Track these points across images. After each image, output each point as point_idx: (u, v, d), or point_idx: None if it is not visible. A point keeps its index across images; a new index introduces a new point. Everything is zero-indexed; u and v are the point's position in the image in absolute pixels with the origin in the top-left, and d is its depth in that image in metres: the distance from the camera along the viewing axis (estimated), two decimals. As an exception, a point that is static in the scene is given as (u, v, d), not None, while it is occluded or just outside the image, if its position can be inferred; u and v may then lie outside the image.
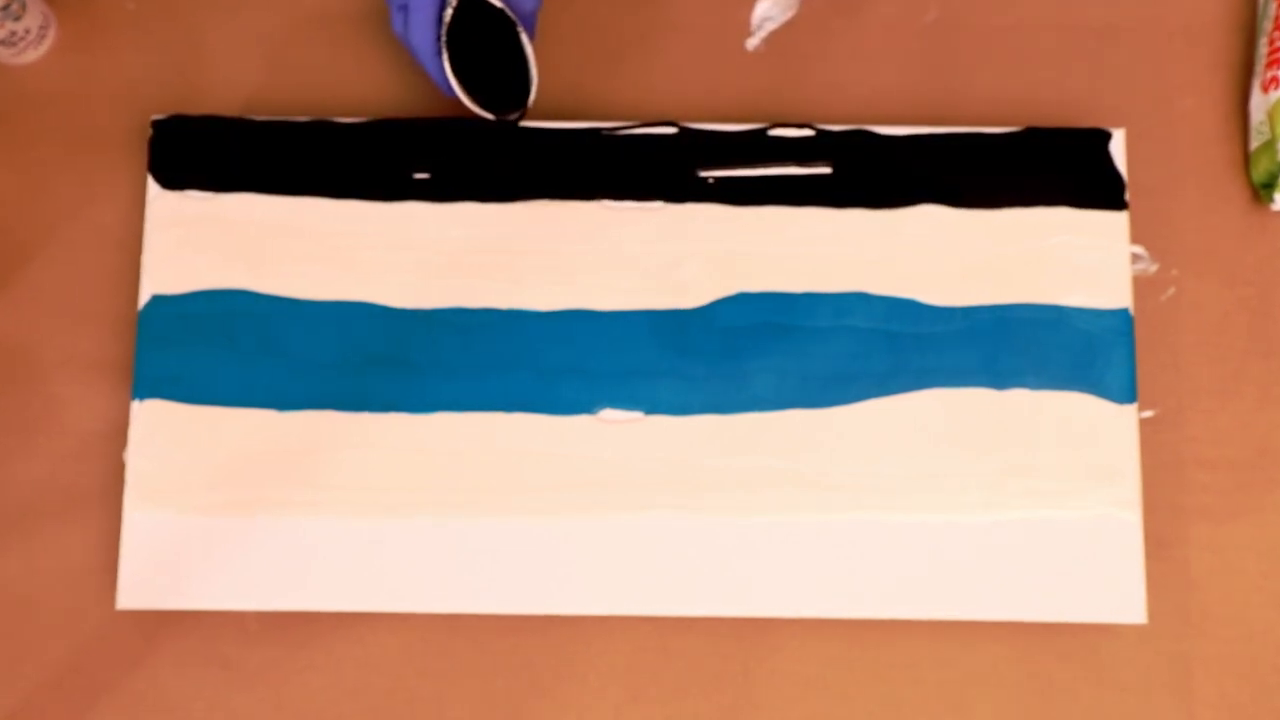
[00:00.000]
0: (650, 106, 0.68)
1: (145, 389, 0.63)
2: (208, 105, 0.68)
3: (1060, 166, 0.65)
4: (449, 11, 0.59)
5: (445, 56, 0.60)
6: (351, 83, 0.68)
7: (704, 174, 0.65)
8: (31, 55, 0.68)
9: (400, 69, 0.68)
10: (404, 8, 0.60)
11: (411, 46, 0.61)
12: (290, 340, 0.64)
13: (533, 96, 0.62)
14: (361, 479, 0.63)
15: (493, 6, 0.60)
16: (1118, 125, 0.67)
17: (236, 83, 0.68)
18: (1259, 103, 0.67)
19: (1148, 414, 0.66)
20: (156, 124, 0.66)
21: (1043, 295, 0.64)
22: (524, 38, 0.61)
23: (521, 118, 0.62)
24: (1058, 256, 0.64)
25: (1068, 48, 0.69)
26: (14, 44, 0.67)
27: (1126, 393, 0.63)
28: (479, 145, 0.65)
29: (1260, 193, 0.67)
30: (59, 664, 0.63)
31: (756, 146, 0.65)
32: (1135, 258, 0.67)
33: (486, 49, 0.60)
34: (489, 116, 0.62)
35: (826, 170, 0.65)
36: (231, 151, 0.65)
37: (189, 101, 0.68)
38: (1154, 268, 0.67)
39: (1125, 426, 0.63)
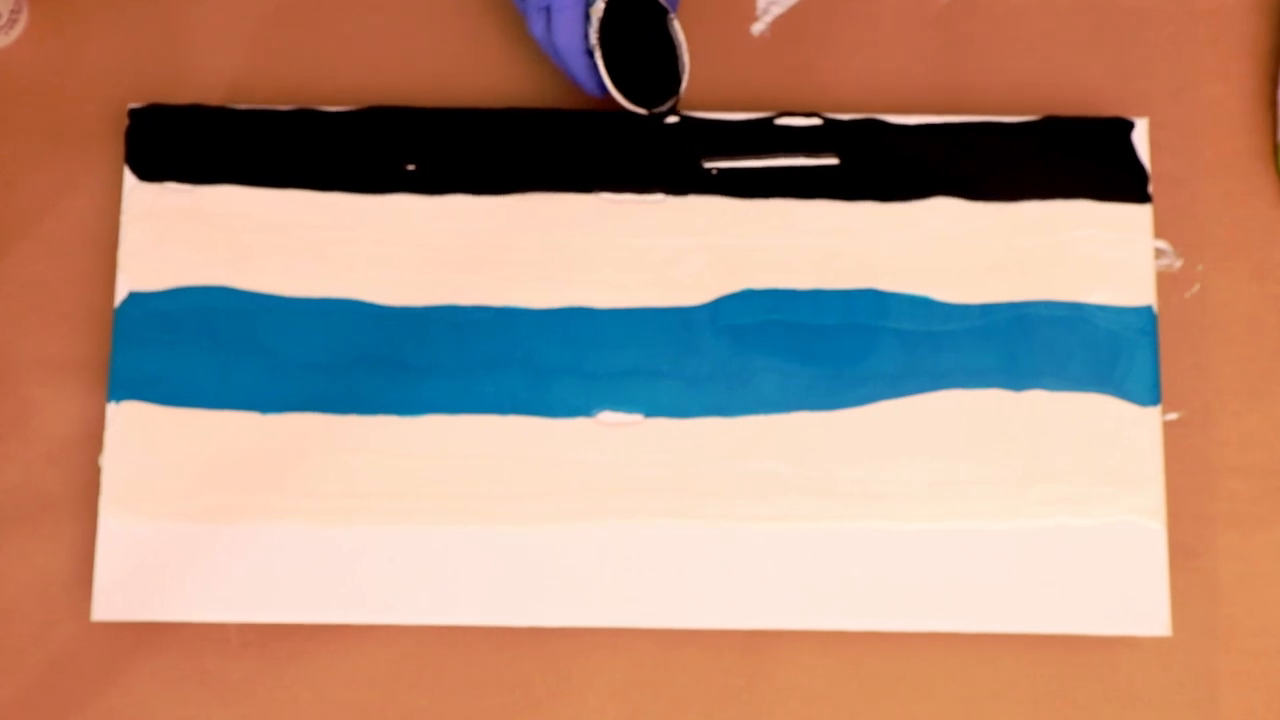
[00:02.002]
0: None
1: (121, 390, 0.63)
2: (187, 93, 0.67)
3: (1080, 157, 0.65)
4: (601, 6, 0.60)
5: (599, 55, 0.60)
6: (338, 70, 0.68)
7: (708, 165, 0.65)
8: (2, 41, 0.68)
9: (389, 55, 0.68)
10: (546, 9, 0.61)
11: (556, 48, 0.61)
12: (274, 339, 0.63)
13: (684, 85, 0.62)
14: (348, 484, 0.62)
15: None
16: (1141, 114, 0.67)
17: (217, 70, 0.68)
18: (1289, 90, 0.67)
19: (1172, 416, 0.65)
20: (133, 113, 0.65)
21: (1062, 292, 0.64)
22: (676, 25, 0.61)
23: (674, 109, 0.62)
24: (1078, 252, 0.64)
25: (1088, 32, 0.69)
26: (-15, 29, 0.67)
27: (1150, 394, 0.63)
28: (471, 135, 0.65)
29: (1290, 184, 0.67)
30: (31, 678, 0.63)
31: (762, 136, 0.65)
32: (1159, 253, 0.67)
33: (630, 42, 0.61)
34: (642, 112, 0.62)
35: (834, 161, 0.65)
36: (212, 142, 0.65)
37: (167, 89, 0.67)
38: (1179, 263, 0.67)
39: (1149, 430, 0.63)
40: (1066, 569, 0.62)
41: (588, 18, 0.61)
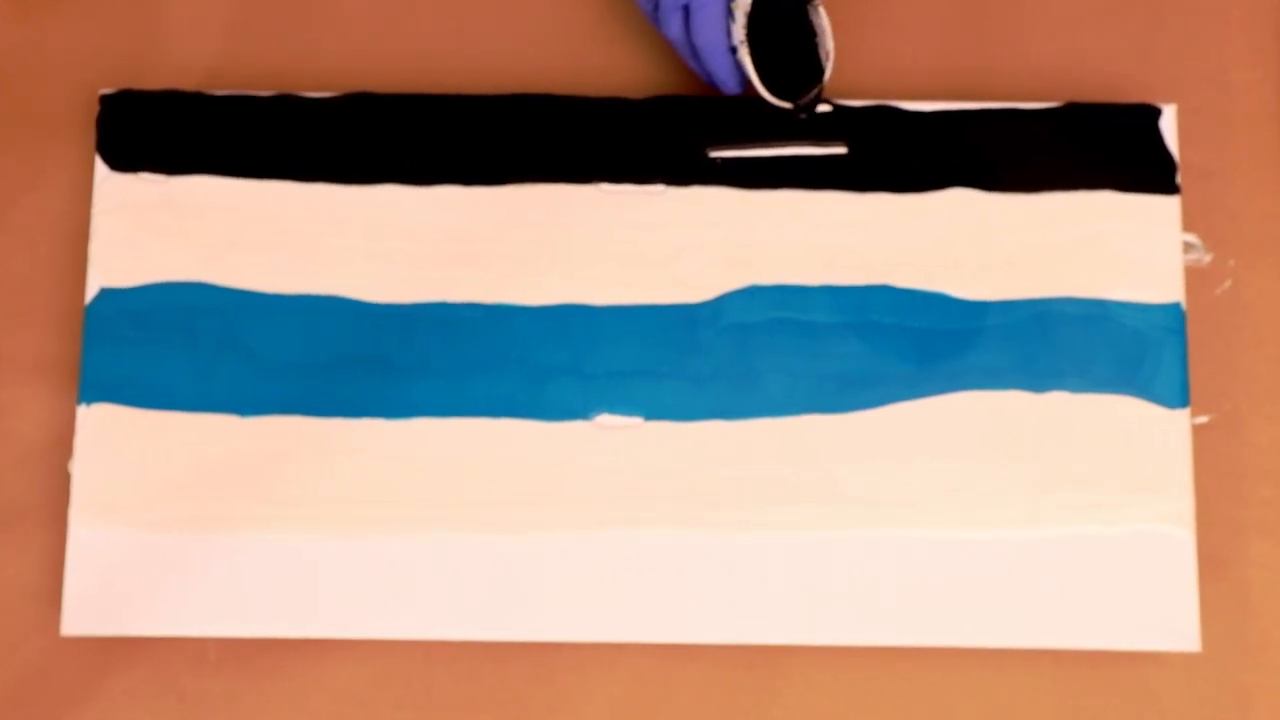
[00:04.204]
0: (651, 79, 0.68)
1: (93, 392, 0.63)
2: (162, 78, 0.67)
3: (1105, 146, 0.65)
4: (747, 1, 0.60)
5: (747, 51, 0.61)
6: (321, 54, 0.68)
7: (712, 154, 0.65)
8: (-32, 23, 0.68)
9: (375, 38, 0.68)
10: (684, 8, 0.62)
11: (697, 48, 0.62)
12: (254, 338, 0.63)
13: (828, 73, 0.62)
14: (333, 491, 0.62)
15: None
16: (1168, 100, 0.66)
17: (194, 53, 0.68)
18: (1324, 75, 0.67)
19: (1201, 419, 0.65)
20: (105, 99, 0.65)
21: (1085, 289, 0.64)
22: (821, 11, 0.61)
23: (818, 98, 0.62)
24: (1102, 246, 0.64)
25: (1113, 14, 0.68)
26: (-51, 11, 0.67)
27: (1178, 396, 0.63)
28: (462, 122, 0.65)
29: (1325, 175, 0.67)
30: (-2, 696, 0.63)
31: (767, 123, 0.64)
32: (1187, 247, 0.66)
33: (769, 33, 0.61)
34: (788, 106, 0.62)
35: (841, 150, 0.65)
36: (188, 129, 0.65)
37: (141, 74, 0.67)
38: (1208, 258, 0.66)
39: (1177, 433, 0.63)
40: (1090, 580, 0.61)
41: (730, 14, 0.61)
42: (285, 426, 0.62)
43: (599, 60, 0.68)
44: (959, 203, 0.64)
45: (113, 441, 0.62)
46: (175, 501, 0.62)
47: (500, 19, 0.68)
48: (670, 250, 0.64)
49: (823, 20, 0.61)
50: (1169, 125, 0.65)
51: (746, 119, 0.65)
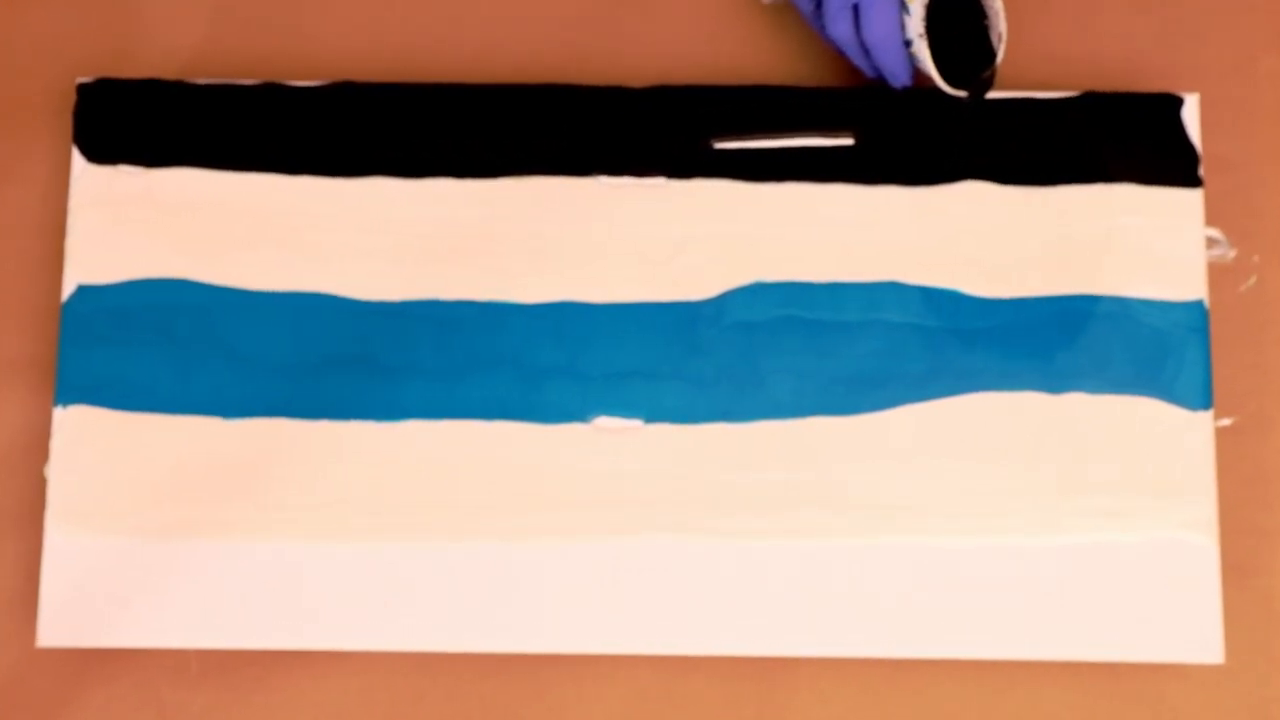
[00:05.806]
0: (651, 67, 0.67)
1: (70, 393, 0.62)
2: (141, 67, 0.67)
3: (1125, 137, 0.65)
4: None
5: (925, 44, 0.61)
6: (308, 40, 0.68)
7: (716, 145, 0.64)
8: (-61, 10, 0.67)
9: (364, 24, 0.68)
10: (853, 7, 0.62)
11: (869, 45, 0.62)
12: (238, 337, 0.63)
13: (1000, 55, 0.62)
14: (319, 497, 0.62)
15: None
16: (1191, 89, 0.66)
17: (174, 40, 0.68)
18: (1353, 63, 0.67)
19: (1225, 422, 0.65)
20: (82, 88, 0.65)
21: (1104, 285, 0.63)
22: None
23: (990, 83, 0.62)
24: (1122, 241, 0.64)
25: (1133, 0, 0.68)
26: (-80, -3, 0.66)
27: (1200, 397, 0.63)
28: (455, 112, 0.65)
29: (1354, 167, 0.66)
30: (-30, 710, 0.62)
31: (770, 113, 0.65)
32: (1211, 242, 0.66)
33: (938, 19, 0.62)
34: (962, 95, 0.62)
35: (848, 141, 0.64)
36: (169, 120, 0.65)
37: (119, 62, 0.67)
38: (1232, 254, 0.66)
39: (1199, 437, 0.62)
40: (1108, 589, 0.61)
41: (904, 7, 0.61)
42: (270, 429, 0.62)
43: (597, 47, 0.67)
44: (972, 196, 0.64)
45: (91, 444, 0.62)
46: (156, 507, 0.61)
47: (493, 5, 0.68)
48: (671, 246, 0.64)
49: (995, 2, 0.61)
50: (1191, 115, 0.65)
51: (750, 109, 0.64)
